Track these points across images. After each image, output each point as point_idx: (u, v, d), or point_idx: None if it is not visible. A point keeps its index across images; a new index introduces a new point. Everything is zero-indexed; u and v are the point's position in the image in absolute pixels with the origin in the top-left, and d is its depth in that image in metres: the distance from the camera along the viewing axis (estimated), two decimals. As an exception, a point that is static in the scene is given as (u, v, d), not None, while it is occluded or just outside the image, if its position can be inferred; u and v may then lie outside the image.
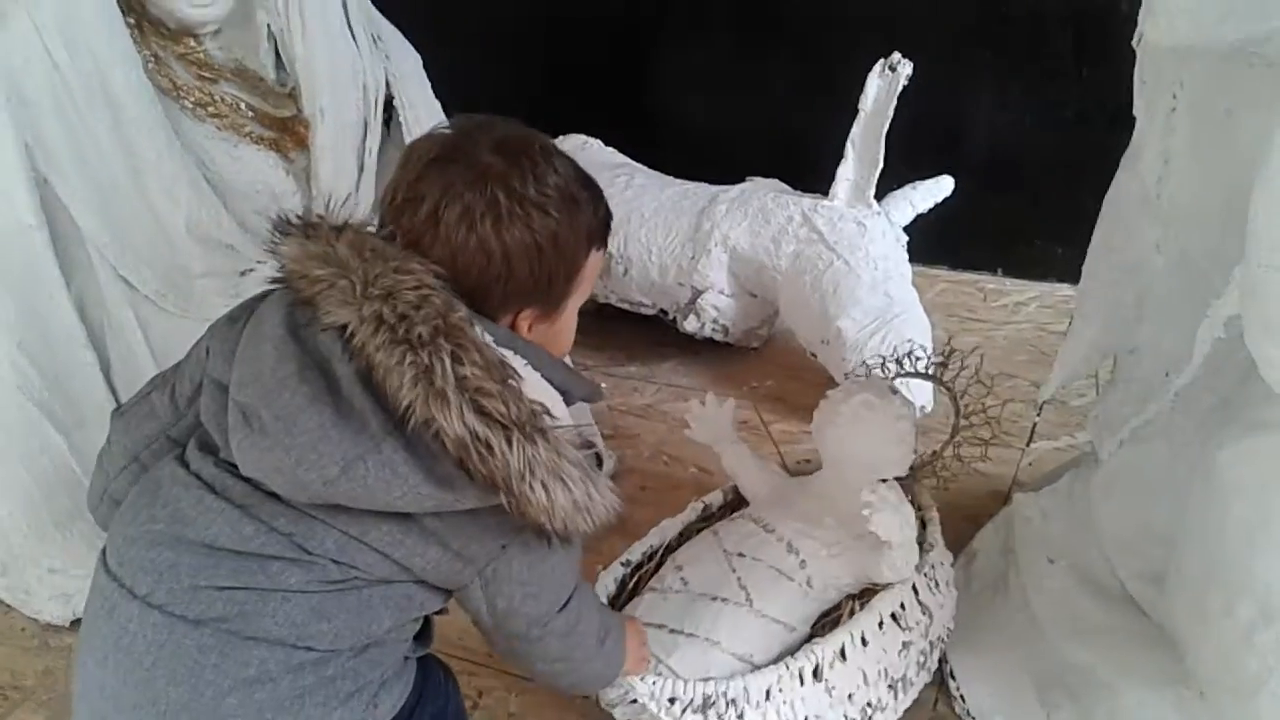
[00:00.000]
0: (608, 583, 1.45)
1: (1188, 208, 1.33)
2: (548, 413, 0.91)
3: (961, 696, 1.49)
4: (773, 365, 2.50)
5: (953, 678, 1.51)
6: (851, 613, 1.40)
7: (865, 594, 1.43)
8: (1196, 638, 1.28)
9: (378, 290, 0.90)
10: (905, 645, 1.38)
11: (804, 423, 2.15)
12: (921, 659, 1.41)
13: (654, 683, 1.25)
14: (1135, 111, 1.41)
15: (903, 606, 1.38)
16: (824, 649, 1.30)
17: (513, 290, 1.00)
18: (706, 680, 1.26)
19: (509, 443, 0.87)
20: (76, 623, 1.73)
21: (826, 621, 1.42)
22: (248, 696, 0.91)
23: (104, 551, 1.02)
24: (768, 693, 1.26)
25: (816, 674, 1.29)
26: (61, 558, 1.75)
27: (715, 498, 1.65)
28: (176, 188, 1.75)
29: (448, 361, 0.87)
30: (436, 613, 1.09)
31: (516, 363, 0.95)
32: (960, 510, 1.83)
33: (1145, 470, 1.46)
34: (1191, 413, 1.37)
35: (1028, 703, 1.44)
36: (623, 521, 1.84)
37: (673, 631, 1.34)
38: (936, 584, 1.45)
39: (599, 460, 0.98)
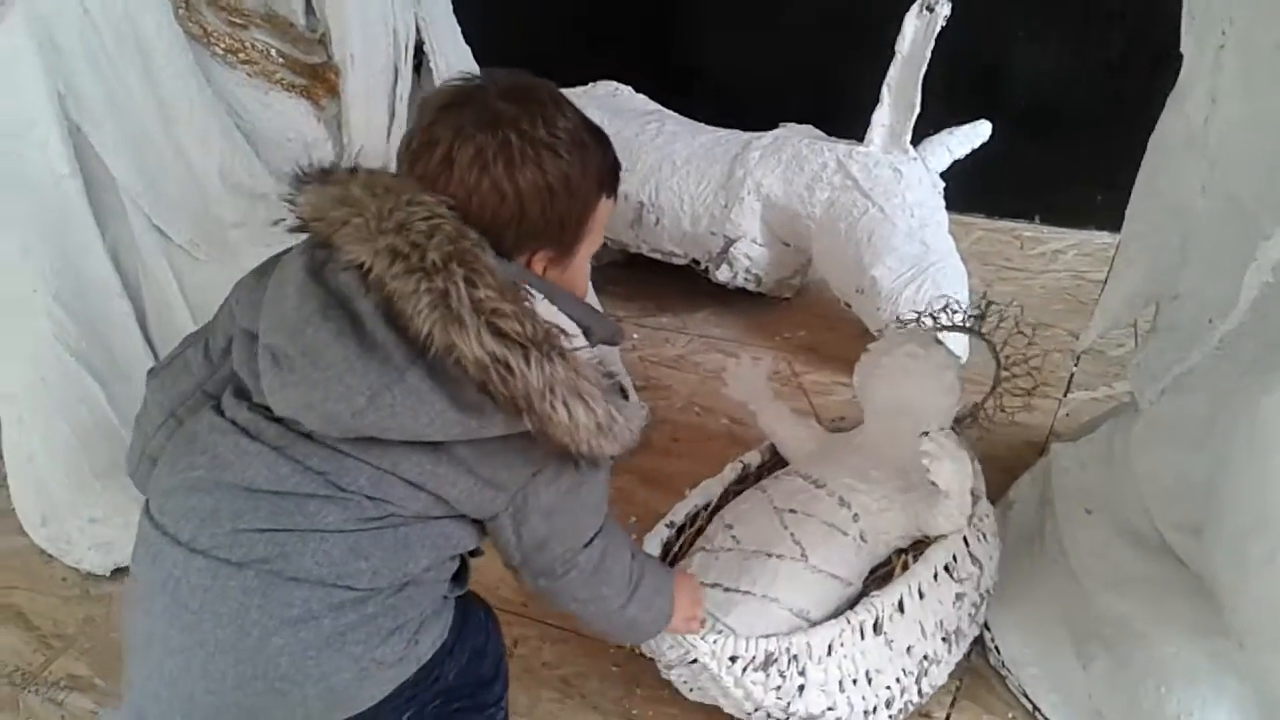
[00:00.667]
0: (653, 545, 1.43)
1: (1235, 147, 1.29)
2: (564, 335, 0.93)
3: (996, 647, 1.49)
4: (806, 315, 2.48)
5: (988, 628, 1.50)
6: (905, 566, 1.39)
7: (914, 548, 1.43)
8: (1236, 588, 1.27)
9: (391, 224, 0.92)
10: (959, 597, 1.37)
11: (838, 373, 2.15)
12: (973, 611, 1.41)
13: (714, 641, 1.23)
14: (1183, 48, 1.38)
15: (955, 558, 1.38)
16: (883, 602, 1.28)
17: (526, 231, 1.02)
18: (768, 637, 1.25)
19: (527, 361, 0.88)
20: (117, 572, 1.76)
21: (876, 576, 1.42)
22: (293, 636, 0.93)
23: (147, 503, 1.03)
24: (830, 647, 1.26)
25: (877, 627, 1.28)
26: (101, 507, 1.77)
27: (753, 457, 1.62)
28: (208, 136, 1.74)
29: (461, 285, 0.89)
30: (472, 554, 1.10)
31: (542, 304, 0.96)
32: (996, 461, 1.82)
33: (1186, 419, 1.44)
34: (1236, 360, 1.35)
35: (1063, 653, 1.43)
36: (658, 475, 1.87)
37: (728, 590, 1.32)
38: (984, 535, 1.44)
39: (622, 391, 0.99)
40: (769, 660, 1.24)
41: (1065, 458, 1.66)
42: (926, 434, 1.36)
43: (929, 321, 1.65)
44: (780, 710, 1.26)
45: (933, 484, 1.33)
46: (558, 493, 1.00)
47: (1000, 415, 1.65)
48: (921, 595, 1.32)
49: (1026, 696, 1.42)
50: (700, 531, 1.49)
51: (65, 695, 1.56)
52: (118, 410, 1.76)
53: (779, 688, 1.24)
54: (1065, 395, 2.09)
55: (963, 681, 1.46)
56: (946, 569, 1.36)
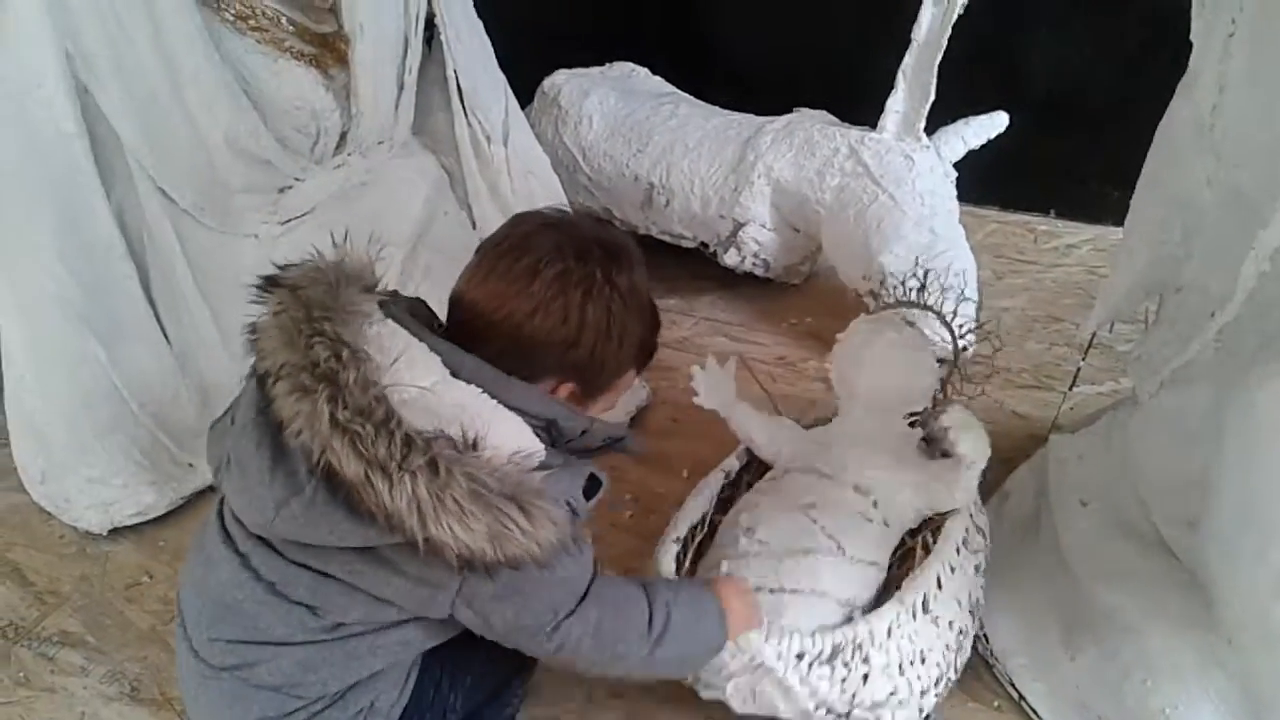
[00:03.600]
0: (666, 564, 1.39)
1: (1242, 137, 1.27)
2: (460, 439, 0.94)
3: (985, 636, 1.48)
4: (813, 302, 2.47)
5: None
6: (925, 546, 1.39)
7: (921, 527, 1.43)
8: (1227, 583, 1.25)
9: (301, 339, 0.96)
10: (976, 569, 1.38)
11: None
12: (983, 582, 1.40)
13: (780, 642, 1.21)
14: (1192, 36, 1.36)
15: (968, 531, 1.38)
16: (927, 580, 1.28)
17: (570, 361, 1.08)
18: (831, 629, 1.24)
19: (388, 482, 0.90)
20: (114, 531, 1.78)
21: (894, 558, 1.41)
22: None
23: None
24: (889, 630, 1.25)
25: (926, 606, 1.28)
26: (100, 468, 1.78)
27: (732, 463, 1.60)
28: (215, 100, 1.75)
29: (324, 407, 0.92)
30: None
31: (479, 400, 1.01)
32: (997, 453, 1.79)
33: (1186, 413, 1.42)
34: (1235, 354, 1.33)
35: (1051, 643, 1.42)
36: (656, 455, 1.86)
37: (773, 591, 1.30)
38: (979, 503, 1.44)
39: (600, 476, 1.06)
40: (835, 652, 1.23)
41: (1063, 449, 1.65)
42: (912, 415, 1.35)
43: (871, 302, 1.63)
44: (844, 704, 1.24)
45: (949, 456, 1.35)
46: (501, 586, 1.00)
47: (967, 386, 1.62)
48: (952, 570, 1.32)
49: (1013, 685, 1.41)
50: (702, 544, 1.46)
51: (57, 650, 1.57)
52: (119, 372, 1.77)
53: (844, 680, 1.23)
54: (1070, 389, 2.07)
55: (949, 669, 1.45)
56: (964, 541, 1.36)
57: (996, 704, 1.41)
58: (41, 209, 1.67)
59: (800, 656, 1.22)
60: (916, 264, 1.84)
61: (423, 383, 0.99)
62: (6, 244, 1.70)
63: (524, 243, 1.09)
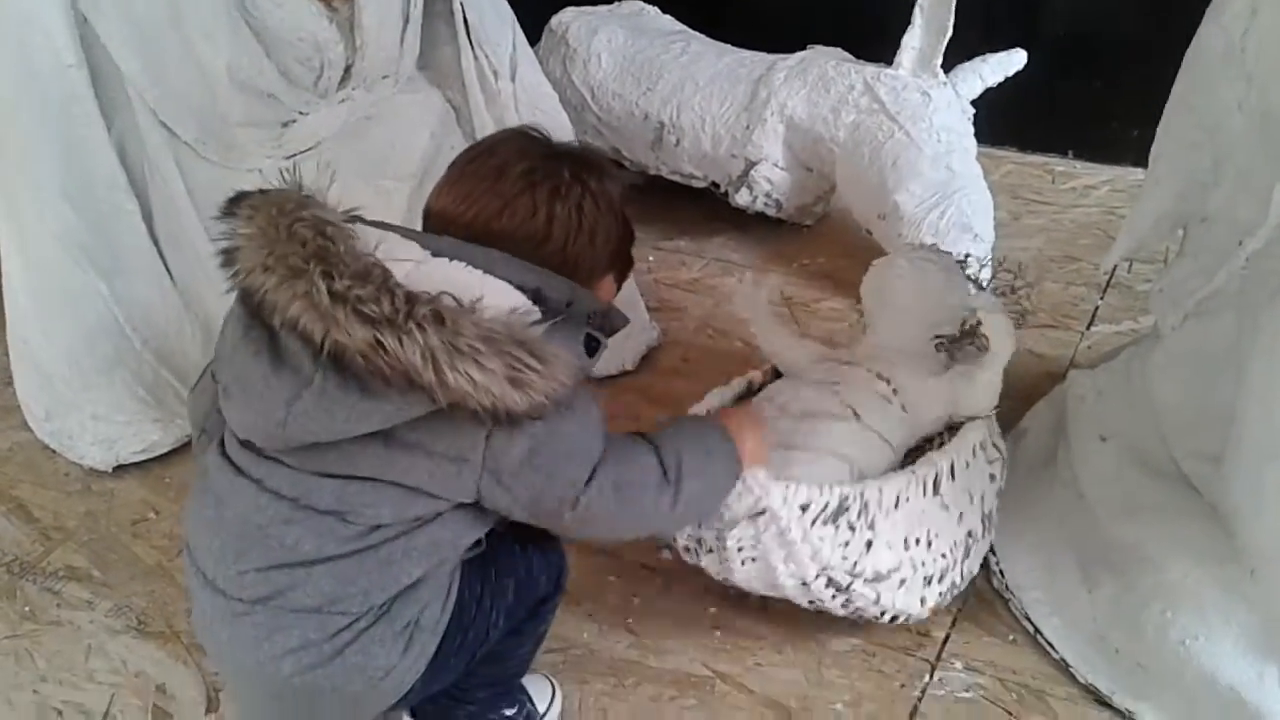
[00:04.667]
0: None
1: (1274, 61, 1.23)
2: (458, 301, 0.92)
3: (1001, 571, 1.46)
4: (825, 242, 2.43)
5: (993, 552, 1.47)
6: (941, 445, 1.38)
7: (939, 436, 1.42)
8: (1250, 514, 1.23)
9: (279, 238, 0.95)
10: (991, 478, 1.37)
11: (855, 298, 2.10)
12: (996, 502, 1.39)
13: (787, 487, 1.19)
14: (1224, -43, 1.31)
15: (985, 439, 1.37)
16: (942, 461, 1.28)
17: (541, 258, 1.06)
18: (840, 484, 1.22)
19: (398, 337, 0.89)
20: (119, 468, 1.77)
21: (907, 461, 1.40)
22: (296, 661, 1.03)
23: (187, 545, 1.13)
24: (897, 500, 1.24)
25: (937, 485, 1.27)
26: (104, 404, 1.76)
27: (757, 376, 1.57)
28: (216, 30, 1.70)
29: (320, 282, 0.91)
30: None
31: (465, 270, 1.00)
32: (1014, 391, 1.77)
33: (1209, 345, 1.39)
34: (1262, 285, 1.29)
35: (1069, 578, 1.41)
36: (666, 394, 1.85)
37: (786, 448, 1.29)
38: (997, 429, 1.43)
39: (598, 335, 1.03)
40: (841, 508, 1.21)
41: (1082, 385, 1.62)
42: (939, 337, 1.33)
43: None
44: (845, 571, 1.23)
45: (980, 347, 1.35)
46: (525, 447, 0.98)
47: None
48: (967, 465, 1.31)
49: (1029, 619, 1.39)
50: None
51: (62, 585, 1.56)
52: (121, 307, 1.75)
53: (847, 543, 1.22)
54: (1088, 328, 2.04)
55: (964, 604, 1.43)
56: (982, 446, 1.35)
57: (1011, 638, 1.39)
58: (41, 142, 1.64)
59: (805, 508, 1.20)
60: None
61: (411, 257, 0.99)
62: (7, 178, 1.68)
63: (492, 147, 1.12)
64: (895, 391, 1.38)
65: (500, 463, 0.98)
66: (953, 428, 1.40)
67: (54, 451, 1.82)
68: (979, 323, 1.44)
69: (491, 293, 0.97)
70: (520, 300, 0.99)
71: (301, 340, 0.93)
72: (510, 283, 1.01)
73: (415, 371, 0.89)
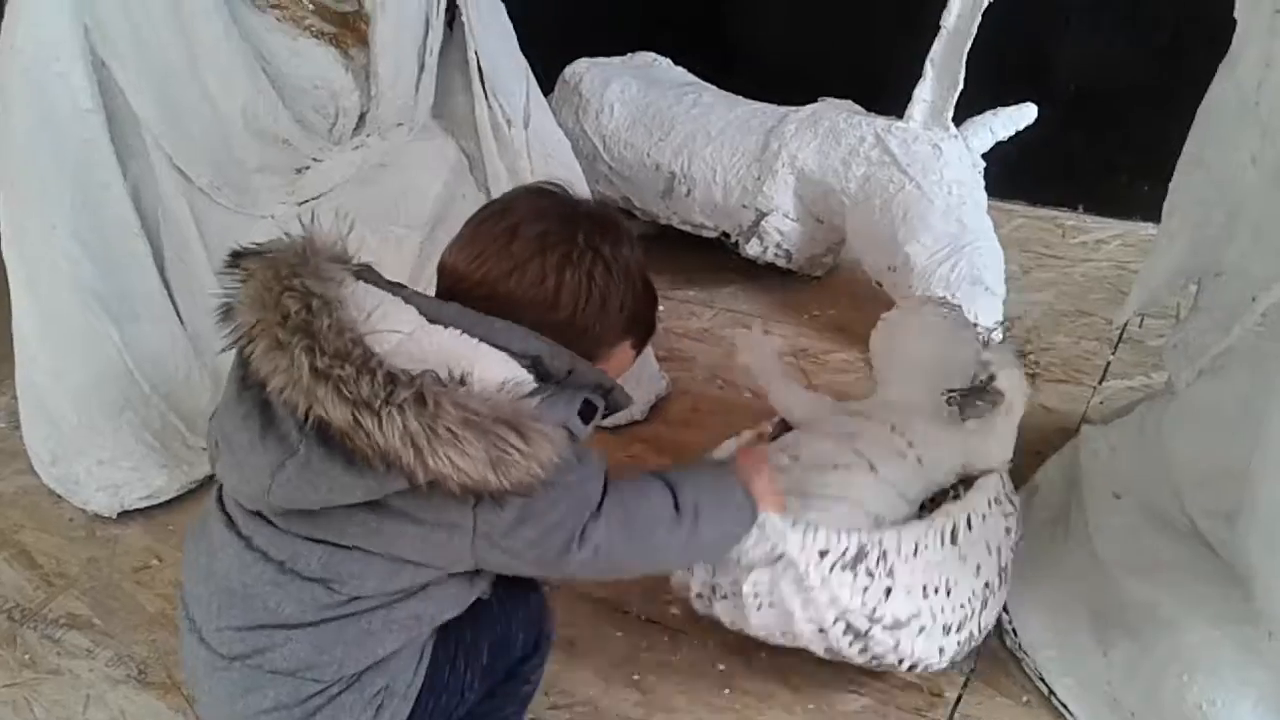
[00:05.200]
0: None
1: (1290, 114, 1.23)
2: (445, 377, 0.91)
3: (1014, 630, 1.43)
4: (835, 294, 2.42)
5: (1006, 611, 1.44)
6: (956, 498, 1.36)
7: (955, 487, 1.40)
8: (1268, 575, 1.21)
9: (270, 308, 0.94)
10: (1007, 531, 1.35)
11: (865, 350, 2.09)
12: (1012, 554, 1.37)
13: (805, 532, 1.17)
14: (1236, 14, 1.32)
15: (999, 492, 1.36)
16: (959, 513, 1.27)
17: (550, 324, 1.04)
18: (858, 530, 1.21)
19: (376, 420, 0.88)
20: (123, 514, 1.75)
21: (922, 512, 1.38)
22: None
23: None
24: (916, 548, 1.23)
25: (954, 536, 1.26)
26: (110, 450, 1.75)
27: (768, 427, 1.55)
28: (233, 77, 1.72)
29: (302, 357, 0.90)
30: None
31: (460, 340, 0.98)
32: (1025, 446, 1.75)
33: (1224, 402, 1.38)
34: (1276, 340, 1.29)
35: (1083, 638, 1.38)
36: (676, 445, 1.84)
37: (803, 495, 1.28)
38: (1013, 487, 1.42)
39: (596, 400, 1.02)
40: (860, 555, 1.20)
41: (1095, 440, 1.60)
42: (950, 392, 1.32)
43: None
44: (864, 617, 1.21)
45: (991, 402, 1.34)
46: (514, 514, 0.97)
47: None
48: (983, 518, 1.30)
49: (1042, 680, 1.36)
50: None
51: (63, 633, 1.54)
52: (131, 352, 1.74)
53: (865, 589, 1.20)
54: (1100, 383, 2.03)
55: (976, 664, 1.41)
56: (996, 499, 1.34)
57: (1025, 699, 1.37)
58: (56, 185, 1.65)
59: (824, 554, 1.18)
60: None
61: (401, 329, 0.97)
62: (21, 220, 1.68)
63: (508, 207, 1.10)
64: (910, 444, 1.37)
65: (493, 526, 0.97)
66: (966, 481, 1.39)
67: (59, 496, 1.80)
68: (991, 377, 1.43)
69: (485, 364, 0.96)
70: (515, 372, 0.97)
71: (288, 409, 0.92)
72: (510, 351, 0.99)
73: (394, 454, 0.88)
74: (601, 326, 1.09)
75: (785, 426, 1.56)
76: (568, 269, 1.05)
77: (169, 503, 1.77)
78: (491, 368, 0.96)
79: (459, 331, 0.99)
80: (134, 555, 1.68)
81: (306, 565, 1.00)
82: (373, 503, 0.95)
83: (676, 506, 1.07)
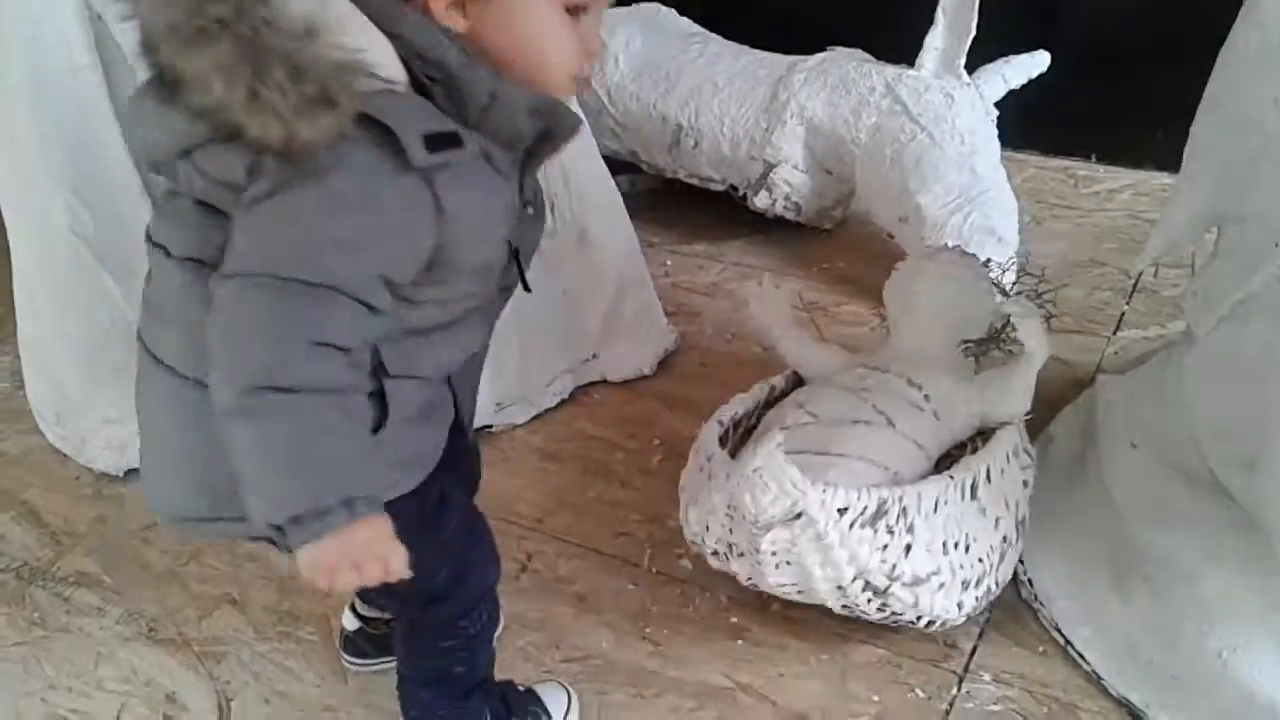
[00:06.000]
0: (710, 440, 1.34)
1: (1315, 56, 1.20)
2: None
3: (1029, 580, 1.42)
4: (845, 246, 2.39)
5: (1021, 561, 1.43)
6: (973, 450, 1.36)
7: (970, 442, 1.40)
8: (1291, 524, 1.19)
9: None
10: (1024, 484, 1.35)
11: (876, 303, 2.07)
12: (1028, 509, 1.36)
13: (824, 490, 1.16)
14: (1260, -49, 1.28)
15: (1017, 446, 1.35)
16: (978, 466, 1.26)
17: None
18: (877, 487, 1.20)
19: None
20: (130, 472, 1.74)
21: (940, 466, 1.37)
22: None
23: None
24: (935, 504, 1.21)
25: (974, 490, 1.25)
26: (116, 408, 1.73)
27: (779, 381, 1.54)
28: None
29: None
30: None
31: (353, 16, 0.81)
32: (1040, 397, 1.74)
33: (1245, 349, 1.35)
34: (1300, 286, 1.26)
35: (1100, 588, 1.37)
36: (685, 400, 1.82)
37: (819, 454, 1.27)
38: (1026, 434, 1.41)
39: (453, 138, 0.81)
40: (880, 512, 1.18)
41: (1111, 389, 1.58)
42: (966, 343, 1.30)
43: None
44: (883, 575, 1.20)
45: (1012, 351, 1.34)
46: (268, 184, 0.79)
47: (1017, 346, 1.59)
48: (1001, 471, 1.29)
49: (1058, 630, 1.35)
50: (748, 432, 1.44)
51: (72, 590, 1.54)
52: (134, 311, 1.71)
53: (885, 547, 1.19)
54: (1115, 333, 2.00)
55: (991, 614, 1.39)
56: (1014, 452, 1.33)
57: (1041, 649, 1.36)
58: (54, 143, 1.62)
59: (843, 512, 1.17)
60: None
61: None
62: (20, 177, 1.66)
63: None
64: (927, 398, 1.36)
65: (256, 193, 0.80)
66: (983, 433, 1.37)
67: (64, 455, 1.79)
68: (1007, 325, 1.41)
69: (372, 46, 0.81)
70: (395, 68, 0.82)
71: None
72: (412, 47, 0.83)
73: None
74: None
75: (798, 380, 1.55)
76: None
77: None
78: (376, 51, 0.81)
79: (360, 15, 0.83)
80: (141, 514, 1.67)
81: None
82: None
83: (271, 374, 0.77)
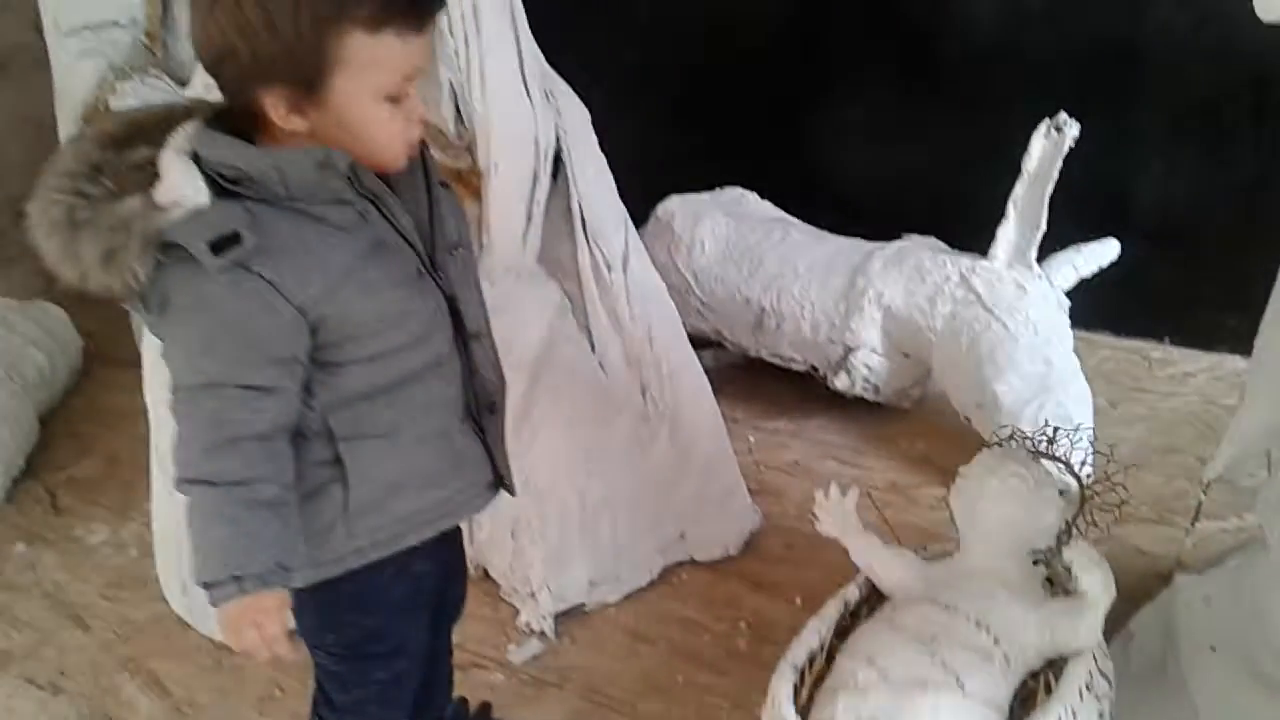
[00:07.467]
0: (782, 692, 1.36)
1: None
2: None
3: (1114, 786, 1.44)
4: (924, 426, 2.47)
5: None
6: (1047, 688, 1.36)
7: (1044, 669, 1.40)
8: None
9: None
10: (1100, 715, 1.35)
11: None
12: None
13: None
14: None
15: (1091, 675, 1.35)
16: (1053, 713, 1.27)
17: (246, 70, 0.97)
18: None
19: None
20: (248, 643, 1.83)
21: (1013, 702, 1.38)
22: None
23: None
24: None
25: None
26: (236, 578, 1.85)
27: (853, 593, 1.57)
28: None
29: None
30: None
31: (165, 155, 0.99)
32: (1120, 590, 1.77)
33: (1320, 561, 1.40)
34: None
35: (1183, 795, 1.38)
36: (770, 583, 1.87)
37: None
38: (1104, 646, 1.42)
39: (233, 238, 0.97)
40: None
41: (1190, 590, 1.62)
42: (1036, 552, 1.34)
43: (1011, 445, 1.63)
44: None
45: (1072, 595, 1.35)
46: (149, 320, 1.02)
47: (1093, 530, 1.61)
48: (1074, 714, 1.30)
49: (1144, 839, 1.37)
50: (821, 672, 1.44)
51: (193, 762, 1.63)
52: (258, 488, 1.85)
53: None
54: (1193, 525, 2.03)
55: (1076, 818, 1.41)
56: (1087, 686, 1.33)
57: None
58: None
59: None
60: (1046, 422, 1.81)
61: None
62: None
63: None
64: (996, 641, 1.36)
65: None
66: (1054, 662, 1.39)
67: (187, 625, 1.90)
68: (1072, 574, 1.44)
69: (171, 175, 0.99)
70: (190, 189, 0.97)
71: None
72: (218, 166, 0.99)
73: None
74: (292, 33, 0.94)
75: (871, 586, 1.59)
76: (216, 9, 0.96)
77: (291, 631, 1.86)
78: (174, 180, 0.98)
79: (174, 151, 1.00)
80: (259, 684, 1.77)
81: None
82: None
83: (199, 466, 1.01)
